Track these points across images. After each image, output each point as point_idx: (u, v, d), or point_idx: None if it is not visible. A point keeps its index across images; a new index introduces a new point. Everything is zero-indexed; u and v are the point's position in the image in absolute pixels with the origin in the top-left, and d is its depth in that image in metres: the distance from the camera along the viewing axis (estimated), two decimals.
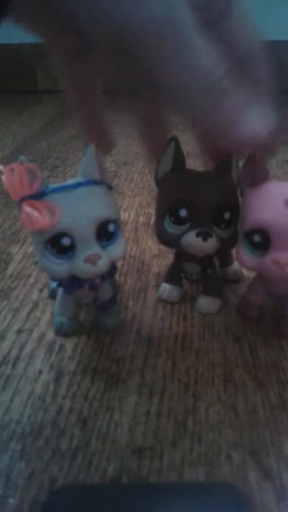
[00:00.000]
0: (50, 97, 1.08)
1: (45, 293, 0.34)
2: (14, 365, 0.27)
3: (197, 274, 0.31)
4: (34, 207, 0.22)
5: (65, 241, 0.24)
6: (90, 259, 0.24)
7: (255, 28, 0.24)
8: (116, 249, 0.25)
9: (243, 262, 0.26)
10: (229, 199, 0.27)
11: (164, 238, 0.28)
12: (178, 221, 0.27)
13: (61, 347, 0.29)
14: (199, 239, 0.27)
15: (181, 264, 0.31)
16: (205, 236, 0.27)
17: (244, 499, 0.19)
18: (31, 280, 0.35)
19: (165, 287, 0.33)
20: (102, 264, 0.24)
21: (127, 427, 0.23)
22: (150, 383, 0.26)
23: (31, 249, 0.40)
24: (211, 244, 0.27)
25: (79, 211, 0.24)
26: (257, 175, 0.25)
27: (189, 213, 0.27)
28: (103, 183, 0.25)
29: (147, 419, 0.23)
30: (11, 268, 0.37)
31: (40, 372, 0.27)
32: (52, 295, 0.32)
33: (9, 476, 0.21)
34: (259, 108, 0.21)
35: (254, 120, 0.21)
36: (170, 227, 0.28)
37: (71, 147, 0.70)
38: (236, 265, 0.34)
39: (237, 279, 0.35)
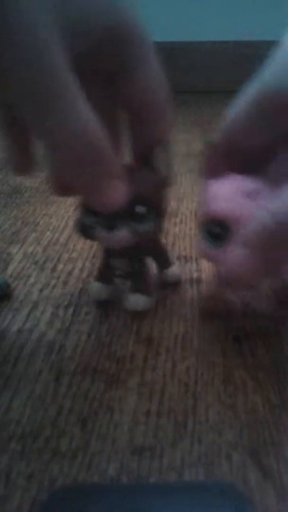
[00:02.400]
0: None
1: (45, 293, 0.34)
2: (14, 365, 0.27)
3: (125, 270, 0.31)
4: None
5: None
6: None
7: (162, 81, 0.24)
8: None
9: (203, 254, 0.26)
10: (144, 193, 0.27)
11: (80, 230, 0.28)
12: (91, 213, 0.27)
13: (61, 347, 0.29)
14: (104, 231, 0.27)
15: (109, 260, 0.31)
16: (108, 227, 0.26)
17: (244, 499, 0.19)
18: (31, 280, 0.35)
19: (95, 285, 0.32)
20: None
21: (127, 427, 0.23)
22: (150, 383, 0.26)
23: (31, 249, 0.40)
24: (117, 236, 0.26)
25: None
26: (216, 166, 0.25)
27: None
28: None
29: (147, 419, 0.23)
30: (11, 268, 0.37)
31: (40, 372, 0.27)
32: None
33: (9, 476, 0.21)
34: (118, 180, 0.23)
35: (113, 193, 0.23)
36: (86, 219, 0.28)
37: None
38: (175, 267, 0.34)
39: (176, 281, 0.34)
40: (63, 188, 0.26)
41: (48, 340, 0.29)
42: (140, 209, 0.27)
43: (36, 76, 0.18)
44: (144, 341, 0.29)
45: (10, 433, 0.23)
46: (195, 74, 1.15)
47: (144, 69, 0.23)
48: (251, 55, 1.13)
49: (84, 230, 0.28)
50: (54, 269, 0.37)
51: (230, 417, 0.23)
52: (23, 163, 0.27)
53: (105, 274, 0.32)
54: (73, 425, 0.23)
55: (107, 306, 0.32)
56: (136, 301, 0.31)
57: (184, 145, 0.71)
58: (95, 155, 0.21)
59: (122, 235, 0.27)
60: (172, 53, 1.14)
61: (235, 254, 0.23)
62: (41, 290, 0.34)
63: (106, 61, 0.22)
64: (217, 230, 0.24)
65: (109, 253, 0.31)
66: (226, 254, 0.24)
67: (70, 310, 0.32)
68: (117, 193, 0.23)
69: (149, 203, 0.27)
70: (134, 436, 0.22)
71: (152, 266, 0.32)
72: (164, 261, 0.34)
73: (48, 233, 0.42)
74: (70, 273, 0.36)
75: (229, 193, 0.24)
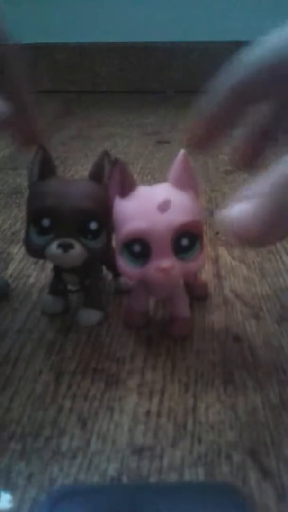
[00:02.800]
0: (50, 97, 1.08)
1: (45, 293, 0.33)
2: (14, 365, 0.27)
3: (76, 285, 0.30)
4: None
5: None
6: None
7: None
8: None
9: (126, 274, 0.25)
10: (96, 208, 0.27)
11: (30, 249, 0.28)
12: (42, 231, 0.27)
13: (61, 347, 0.29)
14: (59, 251, 0.26)
15: (60, 274, 0.31)
16: (65, 247, 0.26)
17: (244, 499, 0.19)
18: (31, 280, 0.35)
19: (48, 299, 0.32)
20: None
21: (127, 427, 0.23)
22: (150, 383, 0.26)
23: None
24: (73, 255, 0.26)
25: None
26: (124, 182, 0.25)
27: (52, 223, 0.26)
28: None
29: (147, 419, 0.23)
30: (11, 268, 0.37)
31: (40, 372, 0.27)
32: None
33: (9, 476, 0.21)
34: None
35: None
36: (35, 237, 0.27)
37: (71, 147, 0.70)
38: None
39: (127, 289, 0.32)
40: None
41: (48, 340, 0.29)
42: (94, 225, 0.26)
43: None
44: (144, 341, 0.29)
45: (10, 433, 0.23)
46: (195, 74, 1.15)
47: None
48: None
49: (34, 249, 0.27)
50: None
51: (230, 417, 0.23)
52: (25, 133, 0.26)
53: (57, 288, 0.31)
54: (73, 425, 0.23)
55: (107, 306, 0.32)
56: (89, 316, 0.30)
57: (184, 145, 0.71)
58: None
59: (77, 253, 0.26)
60: (172, 53, 1.14)
61: (249, 206, 0.18)
62: (41, 290, 0.34)
63: None
64: (137, 248, 0.24)
65: (59, 267, 0.30)
66: (146, 271, 0.24)
67: (70, 310, 0.32)
68: None
69: (101, 219, 0.27)
70: (134, 436, 0.22)
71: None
72: (117, 270, 0.33)
73: None
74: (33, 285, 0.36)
75: (143, 208, 0.24)
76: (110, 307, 0.32)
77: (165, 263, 0.24)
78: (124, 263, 0.25)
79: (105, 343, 0.29)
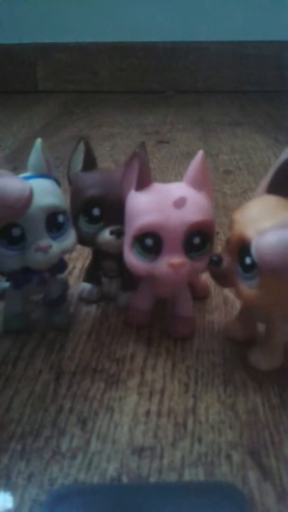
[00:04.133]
0: (50, 97, 1.08)
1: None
2: (14, 365, 0.27)
3: (114, 271, 0.31)
4: None
5: (16, 232, 0.24)
6: (41, 248, 0.25)
7: None
8: (67, 240, 0.26)
9: (135, 268, 0.25)
10: None
11: (80, 238, 0.28)
12: (92, 220, 0.28)
13: (61, 347, 0.29)
14: (113, 237, 0.27)
15: (99, 262, 0.32)
16: (118, 234, 0.27)
17: (244, 499, 0.19)
18: None
19: (85, 286, 0.33)
20: (53, 254, 0.25)
21: (127, 427, 0.23)
22: (150, 383, 0.26)
23: None
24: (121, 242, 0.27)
25: None
26: (142, 176, 0.25)
27: (102, 212, 0.27)
28: (50, 177, 0.26)
29: (147, 419, 0.23)
30: None
31: (40, 372, 0.27)
32: (2, 295, 0.31)
33: (9, 476, 0.21)
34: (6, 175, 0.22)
35: (9, 188, 0.22)
36: (85, 226, 0.28)
37: (71, 147, 0.70)
38: None
39: None
40: None
41: (48, 340, 0.29)
42: None
43: None
44: (144, 341, 0.29)
45: (10, 433, 0.23)
46: (195, 74, 1.15)
47: None
48: (251, 55, 1.13)
49: (85, 238, 0.28)
50: None
51: (230, 417, 0.23)
52: None
53: (94, 275, 0.33)
54: (73, 425, 0.23)
55: (106, 307, 0.32)
56: (127, 299, 0.31)
57: (184, 145, 0.71)
58: None
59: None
60: (172, 53, 1.14)
61: None
62: None
63: None
64: (149, 242, 0.24)
65: (98, 255, 0.31)
66: (156, 266, 0.24)
67: (70, 310, 0.32)
68: (18, 184, 0.22)
69: None
70: (134, 436, 0.22)
71: None
72: None
73: None
74: (70, 273, 0.36)
75: (159, 203, 0.24)
76: (111, 307, 0.32)
77: (176, 259, 0.24)
78: (133, 257, 0.25)
79: (105, 343, 0.29)
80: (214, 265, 0.24)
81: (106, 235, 0.27)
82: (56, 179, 0.27)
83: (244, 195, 0.51)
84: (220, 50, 1.13)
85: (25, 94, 1.13)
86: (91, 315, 0.31)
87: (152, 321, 0.30)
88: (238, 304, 0.32)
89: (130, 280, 0.31)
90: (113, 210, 0.27)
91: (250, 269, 0.22)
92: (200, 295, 0.32)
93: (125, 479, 0.20)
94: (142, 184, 0.25)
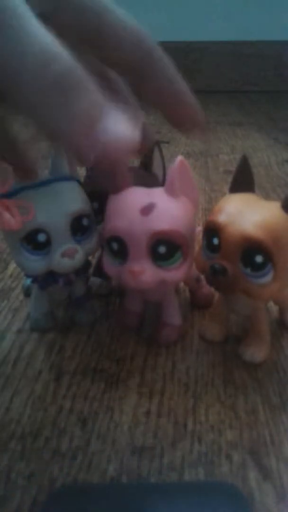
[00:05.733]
0: None
1: None
2: (14, 365, 0.27)
3: None
4: (6, 207, 0.22)
5: (41, 237, 0.24)
6: (68, 253, 0.24)
7: (137, 29, 0.21)
8: (91, 243, 0.26)
9: (106, 270, 0.26)
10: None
11: None
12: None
13: (61, 347, 0.29)
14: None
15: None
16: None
17: (244, 499, 0.19)
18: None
19: (94, 281, 0.33)
20: (79, 258, 0.25)
21: (127, 427, 0.23)
22: (150, 383, 0.26)
23: None
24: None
25: (53, 206, 0.24)
26: (117, 181, 0.25)
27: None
28: (73, 179, 0.26)
29: (147, 419, 0.23)
30: (11, 268, 0.37)
31: (40, 372, 0.27)
32: (27, 292, 0.33)
33: (9, 476, 0.21)
34: (121, 110, 0.17)
35: (116, 127, 0.16)
36: None
37: None
38: None
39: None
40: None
41: (48, 340, 0.29)
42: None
43: None
44: (144, 341, 0.29)
45: (10, 433, 0.23)
46: (195, 74, 1.15)
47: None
48: (251, 55, 1.13)
49: None
50: None
51: (230, 417, 0.23)
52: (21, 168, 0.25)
53: (102, 270, 0.32)
54: (73, 425, 0.23)
55: (106, 307, 0.32)
56: None
57: (184, 145, 0.71)
58: (68, 84, 0.15)
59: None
60: (172, 53, 1.14)
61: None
62: None
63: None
64: (115, 246, 0.24)
65: None
66: (121, 271, 0.24)
67: (70, 310, 0.32)
68: (121, 131, 0.16)
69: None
70: (134, 436, 0.22)
71: None
72: None
73: None
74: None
75: (126, 209, 0.24)
76: (110, 307, 0.32)
77: (136, 267, 0.23)
78: (106, 259, 0.26)
79: (105, 343, 0.29)
80: (221, 274, 0.23)
81: None
82: (79, 180, 0.27)
83: None
84: (220, 50, 1.13)
85: None
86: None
87: (142, 323, 0.30)
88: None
89: None
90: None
91: (262, 266, 0.22)
92: (202, 304, 0.32)
93: (125, 479, 0.20)
94: (118, 187, 0.25)
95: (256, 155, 0.67)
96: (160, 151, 0.28)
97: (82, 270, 0.28)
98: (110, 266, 0.25)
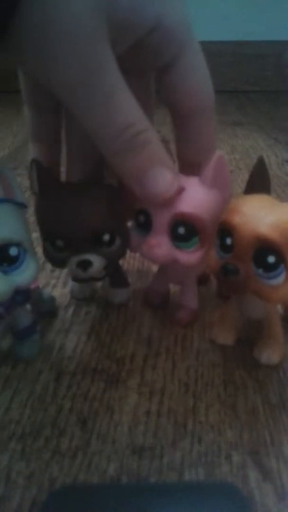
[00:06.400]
0: None
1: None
2: (14, 365, 0.27)
3: (100, 273, 0.30)
4: None
5: None
6: None
7: (206, 81, 0.25)
8: (22, 275, 0.23)
9: (131, 240, 0.27)
10: (109, 221, 0.26)
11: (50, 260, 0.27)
12: (57, 249, 0.26)
13: (61, 347, 0.29)
14: (79, 270, 0.25)
15: None
16: (84, 267, 0.25)
17: (244, 499, 0.19)
18: None
19: (74, 285, 0.33)
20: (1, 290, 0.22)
21: (127, 427, 0.23)
22: (150, 383, 0.26)
23: None
24: (93, 271, 0.26)
25: None
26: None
27: (66, 243, 0.25)
28: (10, 201, 0.23)
29: (147, 419, 0.23)
30: None
31: (40, 372, 0.27)
32: None
33: (9, 476, 0.21)
34: (165, 168, 0.23)
35: (161, 178, 0.23)
36: (53, 251, 0.26)
37: None
38: None
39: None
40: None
41: (48, 340, 0.29)
42: (107, 237, 0.26)
43: (84, 64, 0.18)
44: (144, 341, 0.29)
45: (10, 433, 0.23)
46: None
47: (185, 71, 0.23)
48: (251, 55, 1.13)
49: (55, 262, 0.27)
50: (54, 269, 0.37)
51: (230, 417, 0.23)
52: (52, 154, 0.28)
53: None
54: (73, 425, 0.23)
55: (106, 307, 0.32)
56: (118, 295, 0.32)
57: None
58: (142, 143, 0.21)
59: (98, 267, 0.26)
60: None
61: None
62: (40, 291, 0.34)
63: (147, 60, 0.23)
64: (141, 219, 0.26)
65: None
66: (145, 243, 0.26)
67: (70, 310, 0.32)
68: (167, 181, 0.23)
69: (112, 232, 0.27)
70: (134, 436, 0.22)
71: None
72: None
73: None
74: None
75: None
76: (111, 307, 0.32)
77: (153, 240, 0.25)
78: (132, 230, 0.27)
79: (105, 343, 0.29)
80: (233, 274, 0.23)
81: (72, 266, 0.26)
82: (21, 202, 0.24)
83: None
84: (220, 50, 1.13)
85: None
86: (91, 315, 0.31)
87: (168, 302, 0.32)
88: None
89: (117, 277, 0.31)
90: (77, 239, 0.26)
91: (275, 267, 0.22)
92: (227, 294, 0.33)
93: (125, 479, 0.20)
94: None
95: (256, 155, 0.67)
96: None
97: (17, 301, 0.25)
98: (135, 237, 0.27)
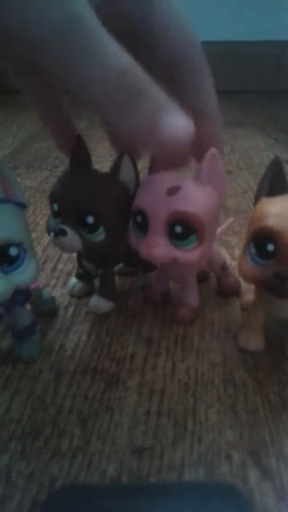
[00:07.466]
0: None
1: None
2: (14, 365, 0.27)
3: (93, 272, 0.32)
4: None
5: None
6: None
7: (185, 29, 0.24)
8: (22, 275, 0.23)
9: (130, 240, 0.27)
10: (94, 203, 0.26)
11: (48, 231, 0.28)
12: (54, 214, 0.28)
13: (61, 347, 0.29)
14: (52, 236, 0.27)
15: (80, 260, 0.32)
16: (56, 233, 0.26)
17: (244, 499, 0.19)
18: None
19: (72, 281, 0.34)
20: (1, 290, 0.22)
21: (127, 427, 0.23)
22: (150, 383, 0.26)
23: None
24: (64, 242, 0.26)
25: None
26: (153, 163, 0.27)
27: (59, 209, 0.27)
28: (10, 201, 0.23)
29: (147, 419, 0.23)
30: None
31: (40, 372, 0.27)
32: None
33: (9, 476, 0.21)
34: (179, 110, 0.20)
35: (175, 122, 0.20)
36: (50, 221, 0.28)
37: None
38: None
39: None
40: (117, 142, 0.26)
41: (48, 340, 0.29)
42: (90, 219, 0.26)
43: (61, 12, 0.17)
44: (144, 341, 0.29)
45: (10, 433, 0.23)
46: None
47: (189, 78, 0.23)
48: (251, 55, 1.13)
49: (49, 231, 0.28)
50: (54, 269, 0.37)
51: (230, 417, 0.23)
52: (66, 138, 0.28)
53: (81, 273, 0.33)
54: (73, 425, 0.23)
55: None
56: (97, 304, 0.30)
57: None
58: (137, 88, 0.19)
59: (69, 241, 0.27)
60: None
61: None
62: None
63: (120, 16, 0.22)
64: (139, 219, 0.26)
65: (79, 253, 0.32)
66: (144, 243, 0.26)
67: (70, 310, 0.32)
68: (181, 122, 0.20)
69: (98, 214, 0.27)
70: (134, 436, 0.22)
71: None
72: (146, 265, 0.34)
73: None
74: (70, 273, 0.36)
75: (153, 188, 0.26)
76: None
77: (151, 240, 0.25)
78: (130, 231, 0.28)
79: (105, 343, 0.29)
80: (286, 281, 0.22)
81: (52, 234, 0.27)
82: (21, 203, 0.24)
83: (244, 195, 0.51)
84: (220, 50, 1.13)
85: None
86: (91, 315, 0.31)
87: (167, 301, 0.32)
88: (238, 304, 0.32)
89: (104, 285, 0.30)
90: (65, 210, 0.27)
91: None
92: (227, 291, 0.33)
93: (125, 479, 0.20)
94: (154, 169, 0.27)
95: (256, 155, 0.67)
96: (132, 160, 0.28)
97: (18, 301, 0.25)
98: (134, 237, 0.27)
